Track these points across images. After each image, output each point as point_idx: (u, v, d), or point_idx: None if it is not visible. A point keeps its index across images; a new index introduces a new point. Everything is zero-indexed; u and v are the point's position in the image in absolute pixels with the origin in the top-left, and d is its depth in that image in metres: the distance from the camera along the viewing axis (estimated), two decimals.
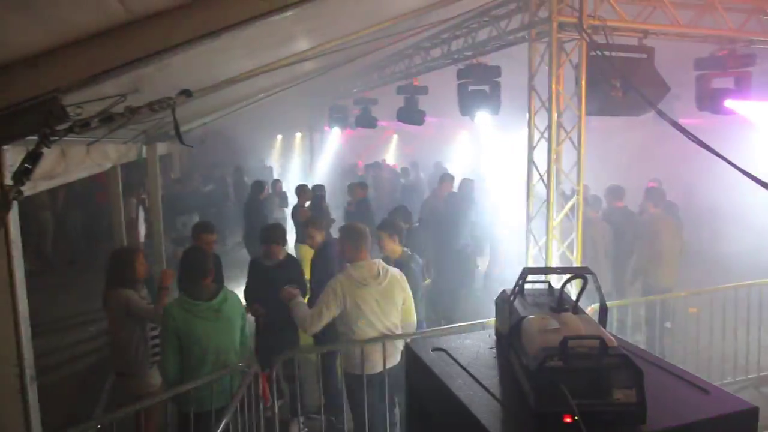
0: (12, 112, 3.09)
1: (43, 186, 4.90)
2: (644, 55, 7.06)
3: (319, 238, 6.88)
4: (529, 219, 7.69)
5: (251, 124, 20.08)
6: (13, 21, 2.76)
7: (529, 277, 2.81)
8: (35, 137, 3.09)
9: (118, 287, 5.40)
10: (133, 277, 5.46)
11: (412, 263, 5.99)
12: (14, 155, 3.45)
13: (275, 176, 19.13)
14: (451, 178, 11.30)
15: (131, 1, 2.95)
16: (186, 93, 3.42)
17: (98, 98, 3.34)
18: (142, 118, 3.73)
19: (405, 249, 6.21)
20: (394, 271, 5.32)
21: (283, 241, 6.59)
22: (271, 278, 6.19)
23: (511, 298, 2.79)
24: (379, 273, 5.17)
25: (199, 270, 4.89)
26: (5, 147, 3.44)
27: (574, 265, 7.26)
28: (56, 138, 3.06)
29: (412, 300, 5.38)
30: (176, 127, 3.45)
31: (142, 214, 11.33)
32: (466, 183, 11.06)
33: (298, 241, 10.47)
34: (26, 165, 3.05)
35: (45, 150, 3.08)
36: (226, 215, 16.04)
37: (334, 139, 21.16)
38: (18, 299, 3.66)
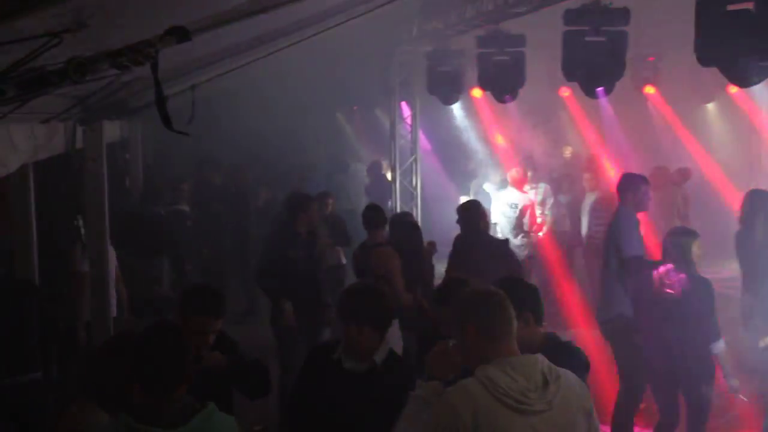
0: None
1: None
2: None
3: None
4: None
5: (282, 91, 10.84)
6: None
7: None
8: None
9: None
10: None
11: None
12: None
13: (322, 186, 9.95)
14: None
15: None
16: (179, 33, 1.79)
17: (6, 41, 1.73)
18: (95, 76, 2.07)
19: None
20: (568, 376, 2.74)
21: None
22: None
23: None
24: (545, 380, 2.65)
25: (165, 371, 2.78)
26: None
27: None
28: None
29: None
30: (160, 98, 1.83)
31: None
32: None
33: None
34: None
35: None
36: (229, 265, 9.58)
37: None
38: None
